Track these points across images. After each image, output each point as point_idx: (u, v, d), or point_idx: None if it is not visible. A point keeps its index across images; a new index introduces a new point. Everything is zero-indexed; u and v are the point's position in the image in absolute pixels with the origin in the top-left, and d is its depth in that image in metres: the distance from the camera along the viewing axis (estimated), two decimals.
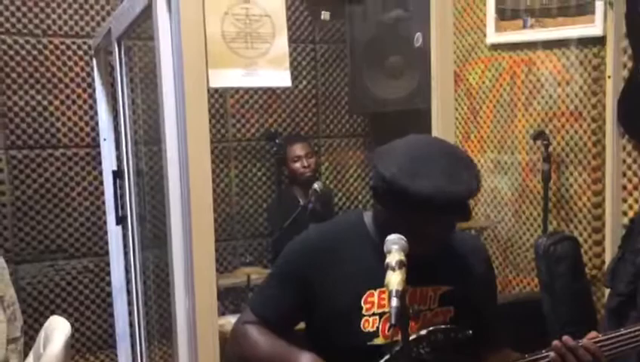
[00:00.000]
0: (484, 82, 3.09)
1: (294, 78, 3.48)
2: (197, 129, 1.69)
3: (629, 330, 1.28)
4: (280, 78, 1.76)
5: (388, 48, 3.21)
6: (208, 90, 1.74)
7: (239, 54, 1.72)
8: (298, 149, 3.34)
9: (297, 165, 3.32)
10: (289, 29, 1.86)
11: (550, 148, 2.66)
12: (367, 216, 1.46)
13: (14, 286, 2.69)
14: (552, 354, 1.30)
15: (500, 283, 3.06)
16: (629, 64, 2.33)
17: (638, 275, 2.06)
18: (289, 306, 1.44)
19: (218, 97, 3.38)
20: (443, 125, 1.95)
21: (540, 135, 2.69)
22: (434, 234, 1.32)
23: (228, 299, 2.73)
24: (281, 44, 1.76)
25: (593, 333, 1.31)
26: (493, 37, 2.97)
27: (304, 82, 3.57)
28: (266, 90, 3.34)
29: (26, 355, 2.50)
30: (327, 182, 3.67)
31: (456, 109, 3.19)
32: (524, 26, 2.82)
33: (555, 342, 1.30)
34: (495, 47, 3.00)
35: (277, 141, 2.77)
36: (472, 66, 3.14)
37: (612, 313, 2.19)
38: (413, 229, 1.28)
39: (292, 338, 1.44)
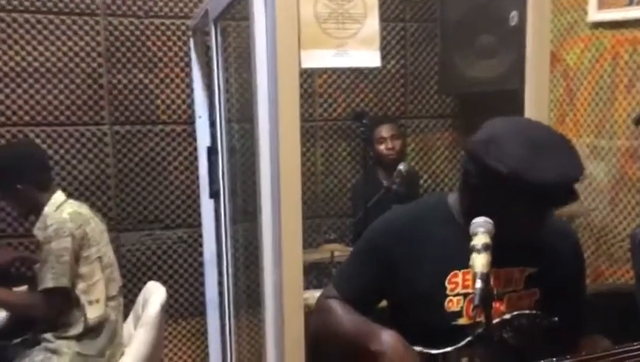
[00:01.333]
0: (582, 63, 2.94)
1: (383, 58, 3.41)
2: (288, 108, 1.74)
3: None
4: (370, 58, 1.77)
5: (480, 27, 3.12)
6: (300, 71, 1.78)
7: (331, 35, 1.74)
8: (384, 131, 3.31)
9: (382, 147, 3.30)
10: (379, 7, 1.86)
11: None
12: (451, 198, 1.46)
13: (116, 253, 2.91)
14: None
15: (592, 273, 2.94)
16: None
17: None
18: (371, 284, 1.47)
19: (307, 77, 3.43)
20: (537, 107, 1.89)
21: None
22: (544, 221, 1.32)
23: (312, 274, 2.81)
24: (371, 24, 1.77)
25: None
26: (595, 14, 2.82)
27: (392, 62, 3.54)
28: (354, 70, 3.35)
29: (126, 316, 2.70)
30: (414, 163, 3.64)
31: (552, 91, 3.06)
32: (631, 2, 2.65)
33: None
34: (597, 25, 2.84)
35: (364, 121, 2.78)
36: (571, 46, 2.99)
37: None
38: (522, 218, 1.29)
39: (373, 316, 1.47)
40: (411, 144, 3.64)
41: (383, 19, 3.43)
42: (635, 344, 1.27)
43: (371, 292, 1.49)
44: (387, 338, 1.36)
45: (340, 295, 1.49)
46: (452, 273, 1.38)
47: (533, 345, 1.33)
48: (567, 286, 1.44)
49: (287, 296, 1.80)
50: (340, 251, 2.78)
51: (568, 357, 1.26)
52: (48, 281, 2.23)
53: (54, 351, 2.31)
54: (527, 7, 1.94)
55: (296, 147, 1.77)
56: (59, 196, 2.40)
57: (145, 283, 2.84)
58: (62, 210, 2.34)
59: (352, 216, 3.38)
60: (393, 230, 1.46)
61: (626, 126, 2.73)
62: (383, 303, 1.53)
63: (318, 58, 1.75)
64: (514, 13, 2.84)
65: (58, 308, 2.31)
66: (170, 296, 3.13)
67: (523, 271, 1.39)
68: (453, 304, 1.38)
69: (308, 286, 2.61)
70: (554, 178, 1.22)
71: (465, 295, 1.37)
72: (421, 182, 3.65)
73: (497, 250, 1.23)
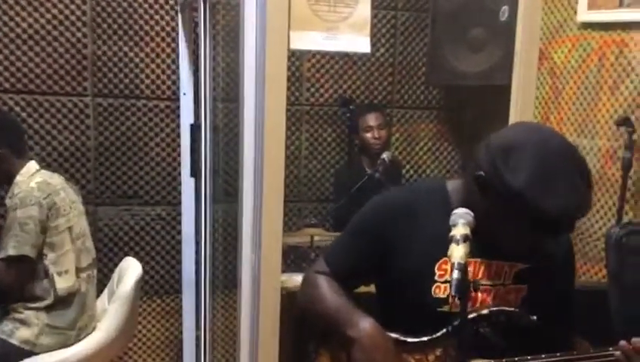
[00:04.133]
0: (569, 62, 2.96)
1: (372, 45, 3.42)
2: (275, 89, 1.73)
3: None
4: (360, 43, 1.76)
5: (471, 20, 3.12)
6: (289, 52, 1.76)
7: (321, 17, 1.73)
8: (371, 119, 3.31)
9: (368, 135, 3.30)
10: None
11: (634, 136, 2.54)
12: (450, 185, 1.45)
13: (93, 226, 2.87)
14: (618, 353, 1.26)
15: None
16: None
17: None
18: (362, 261, 1.46)
19: (295, 60, 3.40)
20: (523, 104, 1.91)
21: (624, 121, 2.56)
22: (541, 246, 1.33)
23: (290, 257, 2.81)
24: (363, 9, 1.75)
25: None
26: (584, 14, 2.83)
27: (382, 50, 3.53)
28: (342, 55, 3.33)
29: (100, 291, 2.68)
30: (397, 153, 3.66)
31: (538, 88, 3.07)
32: (621, 5, 2.66)
33: (623, 343, 1.26)
34: (586, 25, 2.85)
35: (350, 107, 2.78)
36: (559, 44, 3.01)
37: None
38: (519, 237, 1.29)
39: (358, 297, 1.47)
40: (395, 134, 3.65)
41: (374, 6, 3.40)
42: (610, 349, 1.28)
43: (361, 270, 1.48)
44: (364, 325, 1.36)
45: (330, 270, 1.49)
46: (442, 259, 1.38)
47: (511, 342, 1.34)
48: (556, 284, 1.44)
49: (265, 278, 1.80)
50: (320, 236, 2.78)
51: (543, 356, 1.28)
52: (10, 249, 2.19)
53: (23, 322, 2.28)
54: (518, 3, 1.95)
55: (281, 130, 1.76)
56: (32, 165, 2.36)
57: (121, 258, 2.81)
58: (32, 179, 2.30)
59: (334, 201, 3.38)
60: (389, 209, 1.45)
61: (608, 127, 2.76)
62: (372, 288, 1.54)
63: (308, 40, 1.74)
64: (504, 8, 2.85)
65: (20, 277, 2.26)
66: (145, 272, 3.12)
67: (512, 267, 1.40)
68: (440, 290, 1.38)
69: (286, 269, 2.61)
70: (559, 211, 1.21)
71: None
72: (403, 172, 3.66)
73: (490, 242, 1.23)
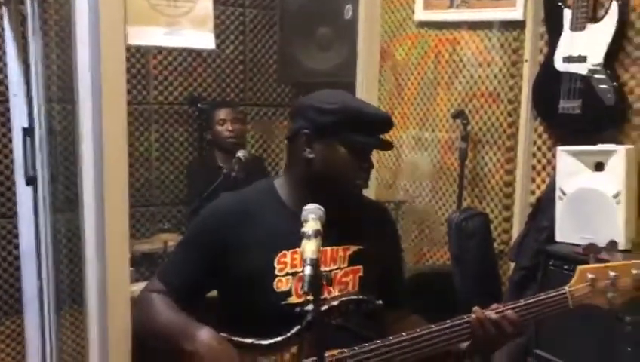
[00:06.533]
0: (410, 59, 3.13)
1: (221, 42, 3.40)
2: (113, 88, 1.62)
3: (526, 302, 1.35)
4: (204, 39, 1.71)
5: (318, 18, 3.19)
6: (127, 48, 1.66)
7: (160, 11, 1.65)
8: (224, 113, 3.23)
9: (222, 128, 3.21)
10: None
11: (468, 128, 2.75)
12: (277, 182, 1.51)
13: None
14: (473, 316, 1.34)
15: (415, 255, 3.17)
16: (545, 49, 2.43)
17: (540, 251, 2.19)
18: (198, 273, 1.44)
19: (140, 57, 3.25)
20: (367, 100, 1.96)
21: (459, 114, 2.77)
22: (371, 163, 1.46)
23: (144, 265, 2.67)
24: (205, 4, 1.70)
25: (495, 305, 1.38)
26: (421, 14, 3.01)
27: (231, 47, 3.49)
28: (190, 52, 3.24)
29: None
30: (254, 151, 3.64)
31: (383, 85, 3.22)
32: (451, 5, 2.87)
33: (476, 308, 1.36)
34: (422, 24, 3.04)
35: (199, 105, 2.70)
36: (400, 42, 3.17)
37: (515, 286, 2.33)
38: (358, 155, 1.41)
39: (201, 308, 1.44)
40: (251, 131, 3.63)
41: (222, 2, 3.37)
42: (464, 316, 1.36)
43: (202, 281, 1.47)
44: (201, 336, 1.33)
45: (167, 288, 1.45)
46: (280, 253, 1.41)
47: (359, 326, 1.38)
48: (387, 263, 1.54)
49: (112, 290, 1.69)
50: (174, 241, 2.67)
51: (404, 334, 1.33)
52: None
53: None
54: (359, 2, 2.01)
55: (122, 131, 1.66)
56: None
57: None
58: None
59: (187, 204, 3.27)
60: (221, 216, 1.46)
61: (446, 120, 2.97)
62: (214, 293, 1.51)
63: (147, 35, 1.65)
64: (348, 7, 2.94)
65: None
66: None
67: (346, 250, 1.46)
68: (282, 284, 1.40)
69: (139, 278, 2.48)
70: (378, 111, 1.50)
71: (293, 274, 1.40)
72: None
73: (323, 228, 1.25)
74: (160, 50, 3.21)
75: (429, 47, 3.03)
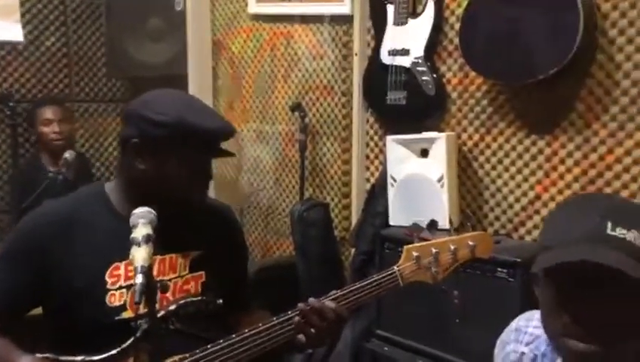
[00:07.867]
0: (246, 52, 3.11)
1: (40, 34, 3.12)
2: None
3: (362, 284, 1.39)
4: (10, 30, 1.54)
5: (148, 10, 3.05)
6: None
7: None
8: (49, 112, 3.00)
9: (47, 130, 3.00)
10: None
11: (306, 120, 2.81)
12: (108, 187, 1.41)
13: None
14: (296, 318, 1.33)
15: (262, 248, 3.18)
16: (372, 43, 2.55)
17: (377, 236, 2.30)
18: (22, 291, 1.32)
19: None
20: (201, 93, 1.92)
21: (297, 107, 2.82)
22: (208, 175, 1.40)
23: None
24: None
25: (333, 291, 1.42)
26: (254, 7, 3.00)
27: (52, 39, 3.22)
28: (2, 45, 2.92)
29: None
30: (84, 149, 3.41)
31: (220, 78, 3.17)
32: None
33: (301, 305, 1.35)
34: (256, 17, 3.03)
35: (11, 104, 2.44)
36: (235, 35, 3.14)
37: (356, 271, 2.43)
38: (194, 170, 1.33)
39: (23, 326, 1.31)
40: (80, 130, 3.39)
41: None
42: (289, 313, 1.36)
43: (22, 300, 1.34)
44: None
45: None
46: (113, 265, 1.32)
47: (202, 330, 1.34)
48: (230, 266, 1.50)
49: None
50: None
51: (234, 335, 1.30)
52: None
53: None
54: None
55: None
56: None
57: None
58: None
59: (10, 212, 2.98)
60: (43, 225, 1.34)
61: (285, 113, 3.00)
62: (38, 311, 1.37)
63: None
64: None
65: None
66: None
67: (186, 256, 1.40)
68: (115, 298, 1.32)
69: None
70: (217, 125, 1.36)
71: (128, 287, 1.32)
72: (93, 170, 3.43)
73: (159, 236, 1.19)
74: None
75: (264, 40, 3.04)
